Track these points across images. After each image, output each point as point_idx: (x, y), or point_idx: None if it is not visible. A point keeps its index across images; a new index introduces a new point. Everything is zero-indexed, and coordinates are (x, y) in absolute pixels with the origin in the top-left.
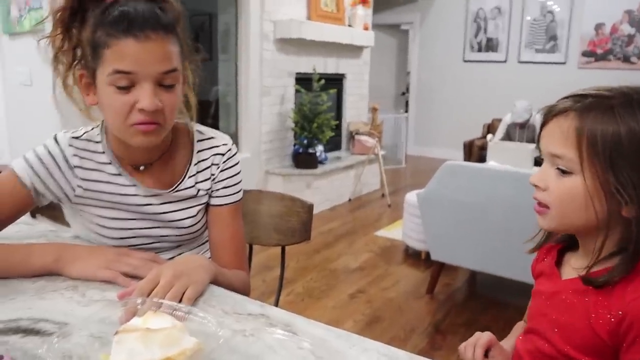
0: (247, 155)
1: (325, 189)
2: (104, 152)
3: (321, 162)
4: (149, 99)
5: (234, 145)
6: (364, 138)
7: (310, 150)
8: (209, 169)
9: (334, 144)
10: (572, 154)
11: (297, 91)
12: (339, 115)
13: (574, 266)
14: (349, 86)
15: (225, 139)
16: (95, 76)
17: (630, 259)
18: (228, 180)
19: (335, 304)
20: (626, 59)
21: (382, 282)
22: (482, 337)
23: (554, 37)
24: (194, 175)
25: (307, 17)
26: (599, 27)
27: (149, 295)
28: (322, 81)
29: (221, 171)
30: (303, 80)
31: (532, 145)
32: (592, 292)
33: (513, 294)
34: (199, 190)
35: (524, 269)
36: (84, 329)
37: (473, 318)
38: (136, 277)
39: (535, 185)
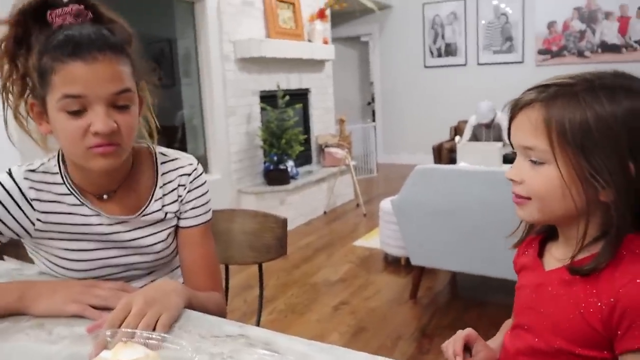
0: (217, 176)
1: (299, 204)
2: (62, 183)
3: (293, 177)
4: (102, 121)
5: (199, 164)
6: (333, 150)
7: (281, 167)
8: (175, 191)
9: (304, 159)
10: (543, 145)
11: (262, 109)
12: (306, 130)
13: (556, 256)
14: (314, 100)
15: (190, 159)
16: (45, 104)
17: (613, 243)
18: (196, 200)
19: (319, 318)
20: (580, 54)
21: (364, 292)
22: (461, 332)
23: (509, 38)
24: (160, 198)
25: (266, 35)
26: (551, 25)
27: (120, 325)
28: (287, 97)
29: (188, 192)
30: (268, 98)
31: (500, 144)
32: (580, 280)
33: (495, 292)
34: (166, 214)
35: (504, 265)
36: None
37: (458, 319)
38: (106, 309)
39: (512, 180)
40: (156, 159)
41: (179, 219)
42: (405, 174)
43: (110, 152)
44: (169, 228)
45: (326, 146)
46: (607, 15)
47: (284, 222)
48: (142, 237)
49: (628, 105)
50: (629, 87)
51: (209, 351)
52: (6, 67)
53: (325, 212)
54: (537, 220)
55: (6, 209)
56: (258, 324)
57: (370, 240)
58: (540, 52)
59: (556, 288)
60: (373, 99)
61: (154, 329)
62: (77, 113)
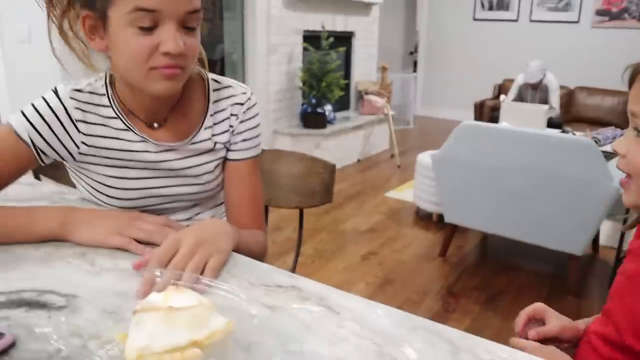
0: None
1: (334, 149)
2: (109, 106)
3: (330, 122)
4: (173, 41)
5: (254, 95)
6: (373, 98)
7: (319, 110)
8: (227, 120)
9: (342, 104)
10: None
11: (305, 49)
12: (347, 75)
13: None
14: (357, 44)
15: (244, 88)
16: (106, 17)
17: None
18: (247, 132)
19: (347, 266)
20: None
21: (393, 244)
22: (525, 309)
23: None
24: (210, 127)
25: None
26: None
27: (167, 264)
28: (331, 39)
29: (241, 122)
30: (311, 38)
31: (546, 106)
32: None
33: (525, 258)
34: (216, 144)
35: (537, 232)
36: (95, 302)
37: (486, 281)
38: (151, 244)
39: (617, 152)
40: (208, 85)
41: (228, 150)
42: (443, 129)
43: (174, 74)
44: (217, 159)
45: (366, 93)
46: None
47: (332, 168)
48: (190, 167)
49: None
50: None
51: (260, 301)
52: None
53: (359, 160)
54: (637, 204)
55: (51, 128)
56: (293, 271)
57: (403, 193)
58: (599, 12)
59: None
60: (416, 49)
61: (202, 272)
62: (147, 29)
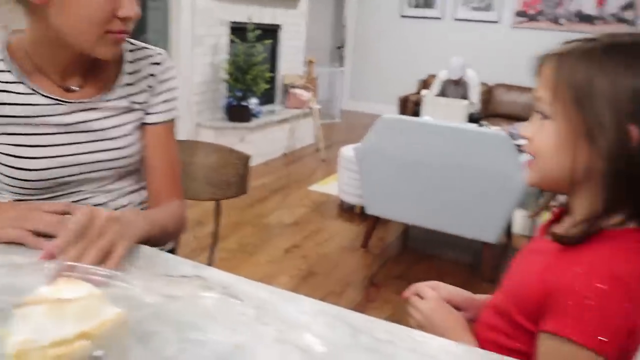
0: None
1: (259, 143)
2: (8, 71)
3: (255, 116)
4: (133, 6)
5: (169, 56)
6: (299, 91)
7: (244, 103)
8: (145, 80)
9: (268, 97)
10: (547, 95)
11: (231, 41)
12: (273, 68)
13: (560, 228)
14: (284, 37)
15: (160, 50)
16: None
17: (594, 217)
18: (167, 93)
19: (270, 259)
20: (555, 21)
21: (317, 237)
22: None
23: None
24: (127, 84)
25: None
26: None
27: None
28: (258, 31)
29: (160, 82)
30: (237, 30)
31: (466, 102)
32: (558, 253)
33: (444, 247)
34: (133, 103)
35: (456, 222)
36: None
37: (407, 270)
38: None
39: (524, 137)
40: (123, 50)
41: (146, 114)
42: (369, 123)
43: (123, 39)
44: (135, 121)
45: (292, 87)
46: None
47: (247, 159)
48: (107, 129)
49: None
50: None
51: (162, 292)
52: None
53: (284, 154)
54: (538, 182)
55: None
56: (210, 264)
57: (327, 186)
58: (518, 13)
59: (539, 254)
60: (344, 44)
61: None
62: None
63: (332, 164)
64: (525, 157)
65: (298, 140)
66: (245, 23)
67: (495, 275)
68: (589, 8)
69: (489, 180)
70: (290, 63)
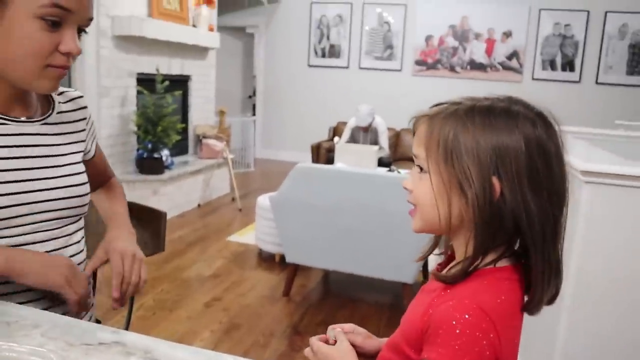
0: None
1: (173, 195)
2: None
3: (167, 167)
4: (75, 42)
5: None
6: (212, 142)
7: (156, 155)
8: (76, 121)
9: (180, 148)
10: (422, 152)
11: (139, 93)
12: (185, 118)
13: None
14: (194, 88)
15: (77, 91)
16: (5, 3)
17: (466, 262)
18: (93, 132)
19: (190, 315)
20: (452, 69)
21: (237, 288)
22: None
23: (390, 46)
24: (60, 113)
25: (148, 15)
26: (428, 38)
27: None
28: (167, 82)
29: (88, 123)
30: (146, 81)
31: (376, 147)
32: (439, 291)
33: (365, 290)
34: (72, 133)
35: (374, 265)
36: None
37: (330, 316)
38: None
39: (406, 189)
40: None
41: (85, 154)
42: (283, 171)
43: (63, 75)
44: (79, 152)
45: (204, 137)
46: (477, 36)
47: (162, 216)
48: (57, 145)
49: (499, 125)
50: (507, 108)
51: None
52: None
53: (199, 205)
54: (421, 229)
55: None
56: (127, 327)
57: (245, 236)
58: (417, 62)
59: (429, 293)
60: (254, 93)
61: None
62: (54, 26)
63: (249, 213)
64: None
65: (213, 190)
66: (154, 74)
67: None
68: (480, 57)
69: (401, 222)
70: (201, 113)
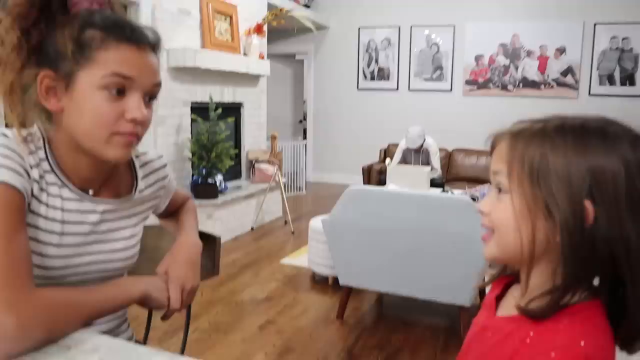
0: None
1: (227, 219)
2: (51, 171)
3: (221, 192)
4: (140, 108)
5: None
6: (264, 166)
7: (210, 180)
8: (156, 190)
9: (233, 173)
10: (504, 168)
11: (193, 120)
12: (237, 144)
13: (510, 302)
14: (247, 115)
15: (161, 159)
16: (72, 78)
17: (556, 294)
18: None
19: (245, 337)
20: (504, 87)
21: (291, 311)
22: None
23: (439, 67)
24: (140, 192)
25: (201, 46)
26: (478, 58)
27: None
28: (220, 110)
29: (166, 188)
30: (199, 109)
31: (428, 168)
32: (515, 335)
33: (420, 313)
34: (147, 209)
35: (429, 287)
36: None
37: (385, 339)
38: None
39: (481, 212)
40: (134, 163)
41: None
42: (334, 193)
43: (132, 142)
44: (143, 221)
45: (257, 162)
46: (529, 53)
47: (217, 241)
48: (121, 229)
49: (595, 145)
50: (602, 129)
51: None
52: (15, 35)
53: (252, 229)
54: (496, 257)
55: (22, 166)
56: (183, 351)
57: (298, 259)
58: (468, 82)
59: (495, 336)
60: (305, 117)
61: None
62: (118, 95)
63: (301, 236)
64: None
65: (266, 214)
66: (207, 102)
67: None
68: (533, 74)
69: (456, 244)
70: (253, 139)
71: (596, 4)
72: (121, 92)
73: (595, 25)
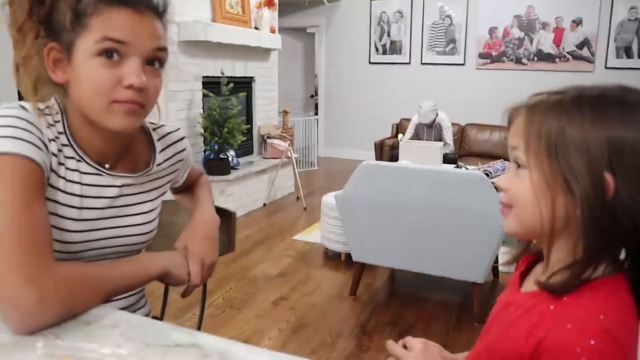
0: None
1: (239, 195)
2: (68, 145)
3: (233, 168)
4: (137, 74)
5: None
6: (276, 142)
7: (222, 156)
8: (174, 162)
9: (245, 149)
10: (521, 144)
11: (205, 95)
12: (249, 119)
13: (534, 278)
14: (258, 89)
15: (178, 131)
16: (72, 48)
17: (577, 267)
18: (188, 167)
19: (258, 313)
20: (518, 61)
21: (304, 287)
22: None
23: (452, 40)
24: (158, 164)
25: (212, 19)
26: (492, 30)
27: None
28: (231, 85)
29: (184, 161)
30: (211, 84)
31: (440, 143)
32: (536, 309)
33: (433, 290)
34: (166, 183)
35: (442, 264)
36: None
37: (397, 316)
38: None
39: (500, 188)
40: (151, 136)
41: (173, 185)
42: (346, 169)
43: (134, 110)
44: (162, 195)
45: (268, 137)
46: (544, 25)
47: (232, 216)
48: (139, 204)
49: (613, 115)
50: (621, 98)
51: None
52: (25, 9)
53: (264, 204)
54: (516, 232)
55: (40, 138)
56: (199, 328)
57: (310, 235)
58: (481, 55)
59: (516, 312)
60: (316, 92)
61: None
62: (113, 60)
63: (313, 212)
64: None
65: (278, 189)
66: (219, 77)
67: (486, 315)
68: (548, 47)
69: (470, 220)
70: (265, 114)
71: None
72: (116, 57)
73: None
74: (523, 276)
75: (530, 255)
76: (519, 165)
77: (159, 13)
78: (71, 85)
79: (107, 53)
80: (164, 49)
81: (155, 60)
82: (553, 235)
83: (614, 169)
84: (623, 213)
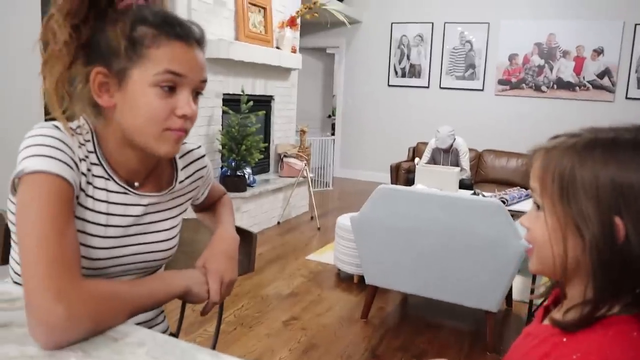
0: None
1: (254, 212)
2: (99, 164)
3: (250, 185)
4: (190, 105)
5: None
6: (292, 160)
7: (239, 173)
8: (195, 180)
9: (262, 167)
10: (537, 186)
11: (224, 112)
12: (267, 138)
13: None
14: (277, 108)
15: (199, 149)
16: (124, 75)
17: (588, 306)
18: (209, 185)
19: (269, 332)
20: (537, 88)
21: (316, 308)
22: None
23: (472, 66)
24: (180, 182)
25: (235, 38)
26: (512, 57)
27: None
28: (251, 102)
29: (204, 179)
30: (231, 102)
31: (457, 169)
32: (552, 342)
33: (445, 316)
34: (187, 201)
35: (455, 291)
36: None
37: (409, 341)
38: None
39: (524, 226)
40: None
41: (194, 202)
42: (361, 190)
43: (182, 137)
44: (184, 212)
45: (285, 156)
46: (565, 53)
47: (253, 237)
48: (162, 221)
49: (623, 158)
50: (634, 140)
51: None
52: (66, 30)
53: (279, 223)
54: (538, 271)
55: (72, 159)
56: (214, 346)
57: (324, 255)
58: (500, 82)
59: (533, 341)
60: (334, 112)
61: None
62: (169, 91)
63: (327, 232)
64: (524, 229)
65: (293, 208)
66: (239, 94)
67: (499, 344)
68: (568, 76)
69: (485, 247)
70: (283, 132)
71: (637, 3)
72: (172, 89)
73: (636, 25)
74: (547, 309)
75: (558, 290)
76: (538, 207)
77: (201, 44)
78: (119, 109)
79: (167, 85)
80: (206, 80)
81: (198, 90)
82: (566, 275)
83: (623, 214)
84: (634, 258)
